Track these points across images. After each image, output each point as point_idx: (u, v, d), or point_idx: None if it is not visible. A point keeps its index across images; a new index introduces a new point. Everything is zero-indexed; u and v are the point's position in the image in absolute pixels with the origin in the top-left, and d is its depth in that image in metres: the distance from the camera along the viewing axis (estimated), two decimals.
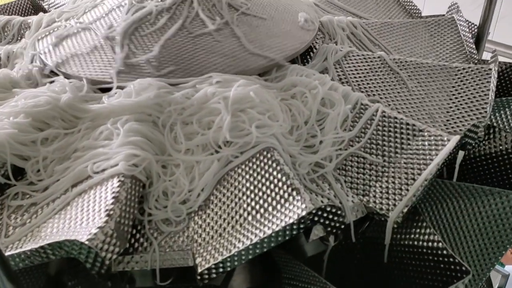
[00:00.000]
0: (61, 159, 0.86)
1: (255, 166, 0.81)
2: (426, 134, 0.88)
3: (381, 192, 0.82)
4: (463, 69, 1.10)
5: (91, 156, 0.82)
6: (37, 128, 0.88)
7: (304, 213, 0.68)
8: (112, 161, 0.80)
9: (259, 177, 0.79)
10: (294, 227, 0.67)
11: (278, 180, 0.76)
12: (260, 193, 0.76)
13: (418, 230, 0.79)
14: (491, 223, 0.84)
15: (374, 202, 0.81)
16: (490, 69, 1.07)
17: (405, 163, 0.85)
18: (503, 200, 0.82)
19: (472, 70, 1.09)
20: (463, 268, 0.72)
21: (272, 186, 0.76)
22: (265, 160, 0.81)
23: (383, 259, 0.86)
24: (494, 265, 0.83)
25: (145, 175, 0.81)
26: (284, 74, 1.02)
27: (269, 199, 0.75)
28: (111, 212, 0.70)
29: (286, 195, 0.74)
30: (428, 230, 0.77)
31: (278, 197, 0.74)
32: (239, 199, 0.77)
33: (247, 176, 0.80)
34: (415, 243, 0.78)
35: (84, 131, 0.88)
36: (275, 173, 0.78)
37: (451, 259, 0.74)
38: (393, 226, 0.79)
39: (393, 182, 0.83)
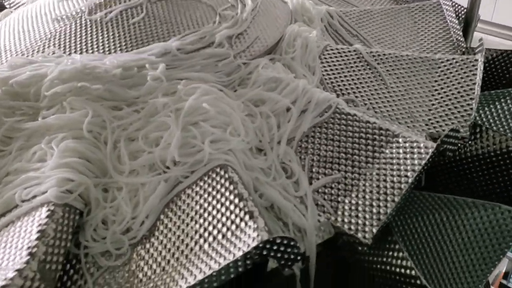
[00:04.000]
0: None
1: (206, 186, 0.73)
2: (401, 140, 0.80)
3: (350, 208, 0.75)
4: (447, 60, 1.02)
5: (21, 180, 0.75)
6: None
7: (255, 243, 0.60)
8: (43, 186, 0.72)
9: (210, 199, 0.71)
10: (240, 263, 0.60)
11: (231, 202, 0.69)
12: (210, 218, 0.69)
13: (390, 253, 0.72)
14: (476, 237, 0.77)
15: (343, 220, 0.74)
16: (476, 60, 0.98)
17: (377, 174, 0.77)
18: (488, 213, 0.75)
19: (456, 62, 1.01)
20: None
21: (223, 209, 0.69)
22: (218, 179, 0.73)
23: (356, 279, 0.80)
24: (483, 282, 0.76)
25: (83, 202, 0.74)
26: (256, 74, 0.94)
27: (219, 225, 0.67)
28: (34, 250, 0.63)
29: (238, 220, 0.66)
30: (400, 254, 0.70)
31: (229, 223, 0.67)
32: (187, 225, 0.70)
33: (197, 198, 0.72)
34: (387, 267, 0.71)
35: (17, 152, 0.80)
36: (227, 193, 0.70)
37: (417, 281, 0.67)
38: (363, 247, 0.72)
39: (364, 197, 0.75)
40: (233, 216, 0.67)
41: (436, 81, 0.99)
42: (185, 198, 0.73)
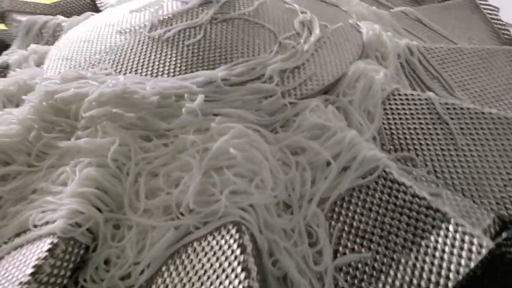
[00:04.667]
0: (18, 199, 0.79)
1: (214, 243, 0.67)
2: (451, 227, 0.67)
3: None
4: None
5: (40, 203, 0.75)
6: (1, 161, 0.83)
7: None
8: (56, 214, 0.71)
9: (213, 260, 0.65)
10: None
11: (233, 270, 0.62)
12: (209, 283, 0.63)
13: None
14: None
15: None
16: None
17: (413, 264, 0.65)
18: None
19: None
20: None
21: (224, 276, 0.62)
22: (227, 237, 0.67)
23: None
24: None
25: (91, 237, 0.72)
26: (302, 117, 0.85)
27: None
28: (25, 287, 0.61)
29: None
30: None
31: None
32: (184, 285, 0.64)
33: (202, 256, 0.67)
34: None
35: (47, 169, 0.81)
36: (232, 258, 0.64)
37: None
38: None
39: None
40: None
41: None
42: (190, 252, 0.68)
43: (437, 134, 0.88)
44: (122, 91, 0.82)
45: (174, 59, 0.94)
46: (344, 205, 0.74)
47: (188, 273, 0.65)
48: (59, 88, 0.88)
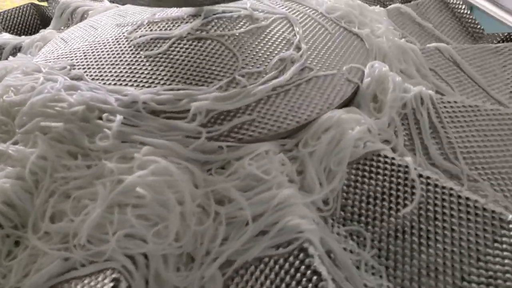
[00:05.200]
0: None
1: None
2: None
3: None
4: None
5: None
6: None
7: None
8: None
9: None
10: None
11: None
12: None
13: None
14: None
15: None
16: None
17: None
18: None
19: None
20: None
21: None
22: (100, 286, 0.62)
23: None
24: None
25: None
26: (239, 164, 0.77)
27: None
28: None
29: None
30: None
31: None
32: None
33: None
34: None
35: None
36: None
37: None
38: None
39: None
40: None
41: None
42: None
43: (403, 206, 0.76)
44: (50, 99, 0.80)
45: (131, 66, 0.91)
46: (246, 276, 0.66)
47: None
48: (13, 83, 0.88)
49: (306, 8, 1.17)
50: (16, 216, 0.73)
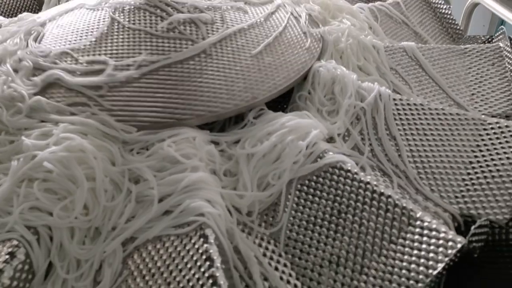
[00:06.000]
0: None
1: None
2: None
3: None
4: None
5: None
6: None
7: None
8: None
9: None
10: None
11: None
12: None
13: None
14: None
15: None
16: None
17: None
18: None
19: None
20: None
21: None
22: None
23: None
24: None
25: None
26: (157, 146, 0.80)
27: None
28: None
29: None
30: None
31: None
32: None
33: None
34: None
35: None
36: None
37: None
38: None
39: None
40: None
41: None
42: None
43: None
44: None
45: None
46: (144, 253, 0.68)
47: None
48: None
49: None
50: None
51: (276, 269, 0.71)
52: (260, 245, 0.74)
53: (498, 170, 0.86)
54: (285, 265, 0.72)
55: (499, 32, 1.31)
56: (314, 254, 0.72)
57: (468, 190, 0.85)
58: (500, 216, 0.79)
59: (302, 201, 0.78)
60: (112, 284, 0.66)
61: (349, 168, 0.79)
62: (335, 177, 0.79)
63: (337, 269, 0.69)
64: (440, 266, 0.63)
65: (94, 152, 0.75)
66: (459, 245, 0.64)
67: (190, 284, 0.61)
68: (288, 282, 0.69)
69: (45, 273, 0.68)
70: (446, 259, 0.63)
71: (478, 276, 0.77)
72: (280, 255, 0.73)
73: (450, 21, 1.52)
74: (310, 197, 0.78)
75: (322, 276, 0.69)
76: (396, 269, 0.67)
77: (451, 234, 0.67)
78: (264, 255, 0.72)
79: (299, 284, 0.69)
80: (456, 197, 0.84)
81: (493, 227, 0.80)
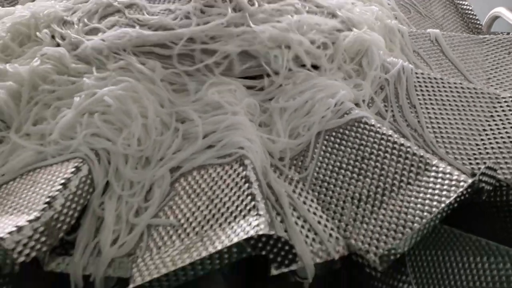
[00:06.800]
0: None
1: (52, 171, 0.77)
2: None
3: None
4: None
5: None
6: None
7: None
8: None
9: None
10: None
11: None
12: None
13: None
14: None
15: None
16: None
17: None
18: None
19: None
20: None
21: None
22: (64, 169, 0.76)
23: None
24: None
25: None
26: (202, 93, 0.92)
27: None
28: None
29: None
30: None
31: None
32: None
33: (38, 177, 0.77)
34: None
35: None
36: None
37: None
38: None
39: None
40: None
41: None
42: (30, 175, 0.79)
43: None
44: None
45: None
46: (189, 178, 0.79)
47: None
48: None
49: None
50: (1, 123, 0.88)
51: (304, 203, 0.81)
52: (289, 184, 0.84)
53: (509, 137, 0.95)
54: (312, 201, 0.82)
55: None
56: (338, 192, 0.82)
57: (480, 153, 0.94)
58: (509, 176, 0.89)
59: (329, 149, 0.88)
60: (161, 201, 0.77)
61: (373, 123, 0.90)
62: (360, 130, 0.89)
63: (359, 204, 0.79)
64: (453, 196, 0.72)
65: (146, 94, 0.87)
66: (470, 181, 0.73)
67: (231, 200, 0.72)
68: (314, 213, 0.79)
69: (102, 191, 0.79)
70: (459, 190, 0.73)
71: (484, 219, 0.86)
72: (307, 193, 0.83)
73: (471, 16, 1.62)
74: (336, 146, 0.88)
75: (345, 210, 0.79)
76: (411, 204, 0.76)
77: (463, 176, 0.77)
78: (293, 191, 0.83)
79: (324, 216, 0.79)
80: (469, 159, 0.94)
81: (501, 186, 0.89)
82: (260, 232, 0.62)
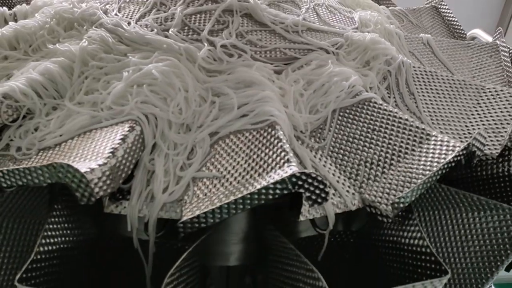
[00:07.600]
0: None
1: (107, 129, 0.90)
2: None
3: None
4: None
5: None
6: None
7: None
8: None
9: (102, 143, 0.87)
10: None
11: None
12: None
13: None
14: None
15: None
16: None
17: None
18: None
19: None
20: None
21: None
22: (119, 127, 0.89)
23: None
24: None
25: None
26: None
27: None
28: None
29: None
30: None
31: None
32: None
33: (95, 136, 0.90)
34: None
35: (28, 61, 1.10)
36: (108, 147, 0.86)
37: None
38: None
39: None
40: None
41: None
42: (87, 134, 0.91)
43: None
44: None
45: None
46: (227, 140, 0.93)
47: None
48: None
49: None
50: (53, 90, 1.01)
51: (324, 166, 0.96)
52: (310, 151, 0.99)
53: (493, 120, 1.13)
54: (330, 165, 0.97)
55: (497, 33, 1.61)
56: (353, 158, 0.97)
57: (470, 133, 1.11)
58: (494, 151, 1.05)
59: (344, 123, 1.04)
60: (203, 159, 0.90)
61: (381, 102, 1.06)
62: (369, 107, 1.05)
63: (371, 167, 0.94)
64: (451, 155, 0.88)
65: (186, 71, 1.01)
66: (465, 143, 0.89)
67: (268, 155, 0.86)
68: (333, 174, 0.94)
69: (150, 150, 0.92)
70: (456, 152, 0.88)
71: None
72: (326, 158, 0.98)
73: (456, 26, 1.82)
74: (350, 120, 1.04)
75: (359, 172, 0.94)
76: (415, 166, 0.92)
77: (459, 143, 0.92)
78: (314, 157, 0.97)
79: (341, 176, 0.94)
80: (460, 138, 1.11)
81: (487, 159, 1.06)
82: (298, 173, 0.76)
